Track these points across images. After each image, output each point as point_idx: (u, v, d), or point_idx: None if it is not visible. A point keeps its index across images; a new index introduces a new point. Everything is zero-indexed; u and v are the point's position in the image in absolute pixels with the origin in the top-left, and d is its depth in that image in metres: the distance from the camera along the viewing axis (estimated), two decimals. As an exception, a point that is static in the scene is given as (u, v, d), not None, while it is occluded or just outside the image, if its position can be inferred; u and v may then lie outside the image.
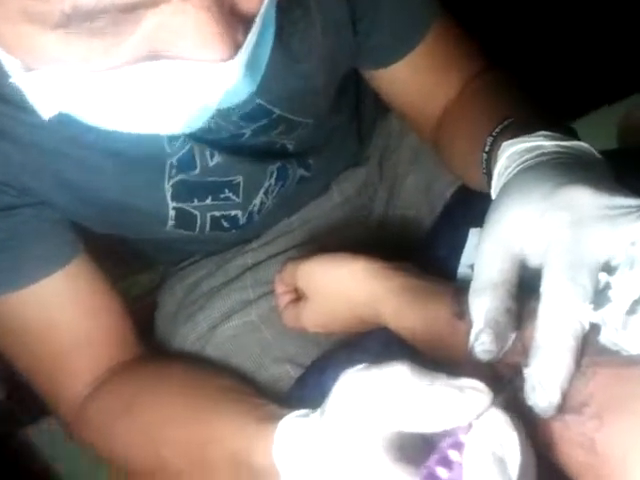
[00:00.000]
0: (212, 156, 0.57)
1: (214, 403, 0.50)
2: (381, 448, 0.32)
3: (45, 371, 0.57)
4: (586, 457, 0.33)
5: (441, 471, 0.30)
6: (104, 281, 0.59)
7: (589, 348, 0.35)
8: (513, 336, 0.37)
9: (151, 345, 0.68)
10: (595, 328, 0.35)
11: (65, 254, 0.55)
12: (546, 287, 0.36)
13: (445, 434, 0.31)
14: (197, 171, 0.57)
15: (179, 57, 0.33)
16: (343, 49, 0.58)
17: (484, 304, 0.37)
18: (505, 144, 0.45)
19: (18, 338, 0.56)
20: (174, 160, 0.55)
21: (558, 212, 0.36)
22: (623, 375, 0.33)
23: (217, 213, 0.62)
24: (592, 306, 0.34)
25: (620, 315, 0.34)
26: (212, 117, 0.52)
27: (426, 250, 0.63)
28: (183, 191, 0.57)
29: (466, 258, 0.54)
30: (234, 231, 0.65)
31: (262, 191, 0.63)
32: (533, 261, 0.38)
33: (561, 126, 0.45)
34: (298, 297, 0.58)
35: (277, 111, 0.57)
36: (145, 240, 0.70)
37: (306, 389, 0.58)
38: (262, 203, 0.64)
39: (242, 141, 0.58)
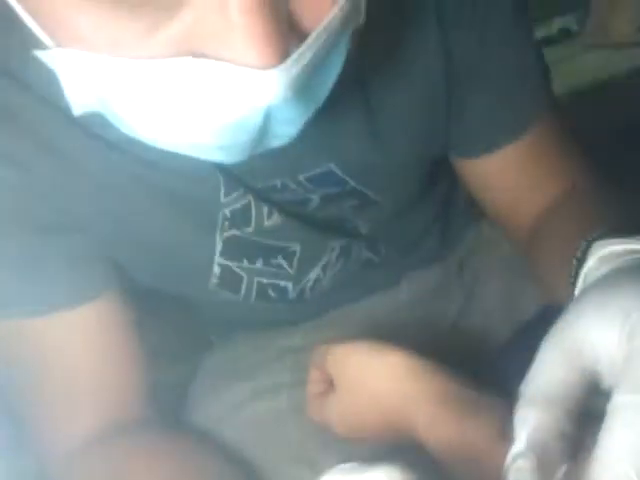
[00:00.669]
0: (270, 215, 0.52)
1: None
2: None
3: (45, 403, 0.52)
4: None
5: None
6: (130, 328, 0.54)
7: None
8: (564, 469, 0.28)
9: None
10: None
11: (93, 289, 0.51)
12: (611, 419, 0.26)
13: None
14: (251, 229, 0.52)
15: (216, 57, 0.29)
16: (434, 131, 0.53)
17: (533, 420, 0.28)
18: (597, 244, 0.38)
19: (23, 364, 0.51)
20: (228, 212, 0.51)
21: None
22: None
23: (265, 280, 0.57)
24: None
25: None
26: (275, 171, 0.50)
27: (496, 365, 0.55)
28: (234, 248, 0.53)
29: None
30: (282, 305, 0.59)
31: (319, 266, 0.58)
32: (607, 382, 0.29)
33: None
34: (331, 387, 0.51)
35: (352, 183, 0.53)
36: (189, 301, 0.65)
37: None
38: (317, 280, 0.58)
39: (308, 208, 0.54)
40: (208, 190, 0.49)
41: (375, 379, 0.46)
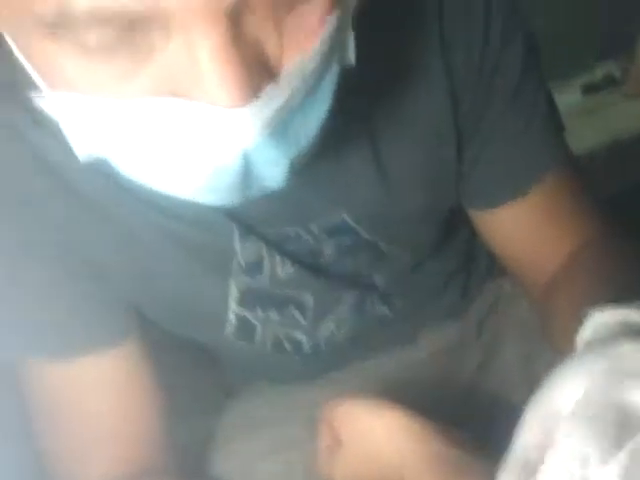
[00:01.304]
0: (283, 265, 0.53)
1: None
2: None
3: (60, 445, 0.53)
4: None
5: None
6: (149, 378, 0.54)
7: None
8: None
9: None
10: None
11: (113, 336, 0.52)
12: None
13: None
14: (264, 278, 0.53)
15: (191, 98, 0.30)
16: (444, 182, 0.54)
17: None
18: (594, 312, 0.37)
19: (40, 404, 0.53)
20: (242, 260, 0.52)
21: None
22: None
23: (280, 331, 0.57)
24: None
25: None
26: (283, 220, 0.50)
27: (511, 428, 0.54)
28: (248, 297, 0.54)
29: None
30: (297, 358, 0.59)
31: (332, 319, 0.58)
32: None
33: None
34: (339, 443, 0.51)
35: (364, 234, 0.53)
36: (208, 350, 0.65)
37: None
38: (331, 333, 0.58)
39: (322, 259, 0.54)
40: (223, 238, 0.50)
41: (374, 437, 0.45)
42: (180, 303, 0.53)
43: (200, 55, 0.29)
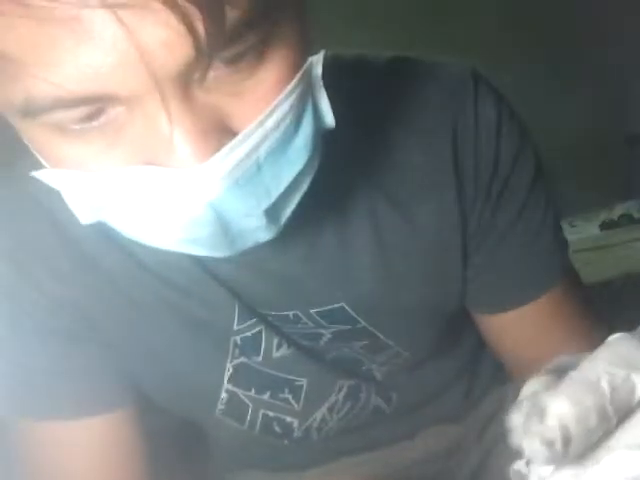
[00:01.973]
0: (279, 347, 0.53)
1: None
2: None
3: None
4: None
5: None
6: (137, 451, 0.54)
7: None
8: None
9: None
10: None
11: (104, 403, 0.52)
12: None
13: None
14: (259, 358, 0.53)
15: (161, 164, 0.33)
16: (447, 282, 0.54)
17: None
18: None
19: (27, 458, 0.52)
20: (239, 339, 0.52)
21: None
22: None
23: (271, 413, 0.56)
24: None
25: None
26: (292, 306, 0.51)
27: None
28: (242, 376, 0.54)
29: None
30: (287, 442, 0.58)
31: (326, 405, 0.57)
32: None
33: None
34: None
35: (362, 322, 0.53)
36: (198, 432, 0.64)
37: None
38: (324, 420, 0.57)
39: (319, 343, 0.54)
40: (223, 315, 0.51)
41: None
42: (175, 376, 0.53)
43: (159, 125, 0.32)
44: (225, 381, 0.53)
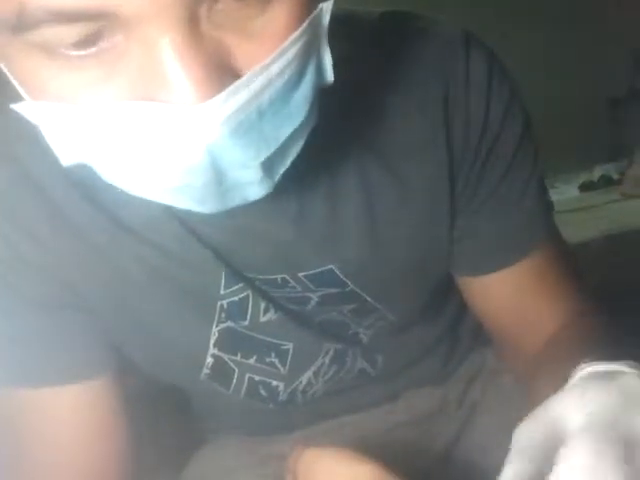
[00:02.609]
0: (266, 311, 0.53)
1: None
2: None
3: (23, 473, 0.51)
4: None
5: None
6: (119, 415, 0.53)
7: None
8: None
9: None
10: None
11: (87, 369, 0.51)
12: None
13: None
14: (246, 322, 0.53)
15: (159, 100, 0.31)
16: (435, 245, 0.54)
17: None
18: (583, 365, 0.38)
19: (11, 432, 0.51)
20: (225, 303, 0.51)
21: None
22: None
23: (257, 377, 0.56)
24: None
25: None
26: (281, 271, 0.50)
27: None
28: (228, 340, 0.53)
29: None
30: (272, 406, 0.58)
31: (312, 369, 0.57)
32: None
33: None
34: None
35: (351, 285, 0.53)
36: (181, 395, 0.64)
37: None
38: (309, 384, 0.58)
39: (307, 307, 0.54)
40: (209, 280, 0.50)
41: None
42: (160, 341, 0.52)
43: (161, 56, 0.30)
44: (211, 345, 0.53)
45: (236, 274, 0.51)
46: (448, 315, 0.65)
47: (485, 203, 0.53)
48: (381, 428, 0.64)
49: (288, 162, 0.38)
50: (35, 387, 0.50)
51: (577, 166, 1.84)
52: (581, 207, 1.61)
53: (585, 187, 1.78)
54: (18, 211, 0.47)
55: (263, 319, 0.53)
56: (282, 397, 0.58)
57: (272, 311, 0.53)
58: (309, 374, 0.57)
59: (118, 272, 0.49)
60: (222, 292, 0.51)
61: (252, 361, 0.55)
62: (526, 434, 0.33)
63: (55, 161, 0.46)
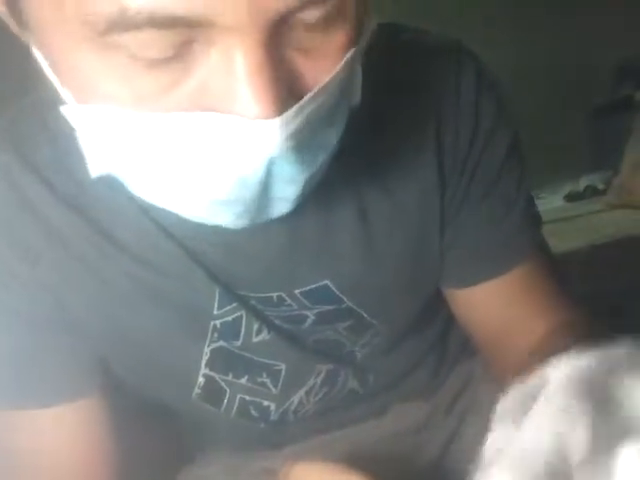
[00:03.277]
0: (259, 332, 0.53)
1: None
2: None
3: None
4: None
5: None
6: (108, 435, 0.53)
7: None
8: None
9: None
10: None
11: (75, 391, 0.51)
12: None
13: None
14: (239, 342, 0.53)
15: (225, 111, 0.32)
16: (428, 258, 0.55)
17: None
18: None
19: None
20: (218, 323, 0.51)
21: None
22: None
23: (248, 397, 0.56)
24: None
25: None
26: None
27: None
28: (220, 360, 0.53)
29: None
30: (263, 425, 0.58)
31: (304, 389, 0.57)
32: None
33: None
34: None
35: (347, 301, 0.53)
36: (171, 412, 0.63)
37: None
38: (301, 403, 0.58)
39: (303, 326, 0.54)
40: (202, 299, 0.50)
41: None
42: (151, 360, 0.52)
43: (238, 69, 0.31)
44: (202, 365, 0.53)
45: (230, 293, 0.50)
46: (437, 327, 0.65)
47: (472, 216, 0.54)
48: (370, 442, 0.64)
49: (319, 177, 0.39)
50: (19, 409, 0.49)
51: (562, 176, 1.86)
52: (567, 217, 1.62)
53: (571, 197, 1.79)
54: (10, 227, 0.46)
55: (256, 339, 0.53)
56: (273, 417, 0.58)
57: (265, 331, 0.53)
58: (301, 394, 0.57)
59: (109, 289, 0.48)
60: (215, 312, 0.50)
61: (244, 381, 0.55)
62: (506, 402, 0.32)
63: (47, 178, 0.46)
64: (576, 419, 0.27)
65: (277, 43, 0.32)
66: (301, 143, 0.34)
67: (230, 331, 0.52)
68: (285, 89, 0.32)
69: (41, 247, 0.47)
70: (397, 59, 0.51)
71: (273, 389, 0.56)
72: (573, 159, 1.87)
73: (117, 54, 0.30)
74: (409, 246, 0.53)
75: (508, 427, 0.31)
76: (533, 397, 0.31)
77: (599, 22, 1.79)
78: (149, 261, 0.48)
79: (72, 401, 0.50)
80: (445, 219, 0.53)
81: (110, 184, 0.40)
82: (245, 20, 0.29)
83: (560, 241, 1.34)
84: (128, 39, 0.30)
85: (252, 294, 0.51)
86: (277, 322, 0.53)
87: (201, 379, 0.53)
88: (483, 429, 0.64)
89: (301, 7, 0.31)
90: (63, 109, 0.35)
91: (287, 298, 0.51)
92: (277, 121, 0.32)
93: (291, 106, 0.32)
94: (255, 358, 0.54)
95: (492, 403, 0.63)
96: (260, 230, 0.47)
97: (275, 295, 0.51)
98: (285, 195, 0.37)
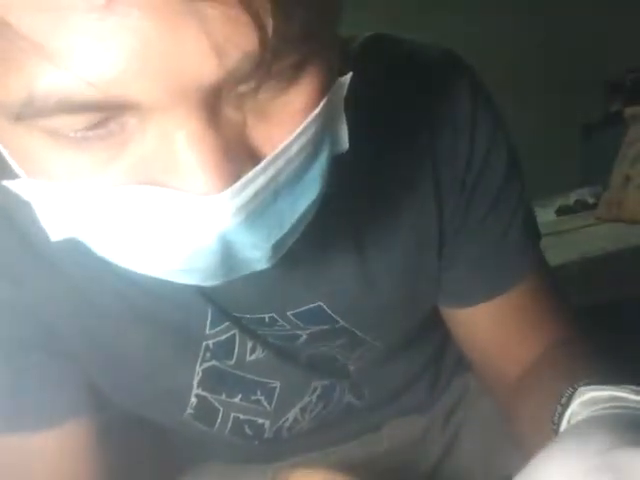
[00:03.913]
0: (253, 351, 0.52)
1: None
2: None
3: None
4: None
5: None
6: (94, 459, 0.51)
7: None
8: None
9: None
10: None
11: (60, 415, 0.49)
12: None
13: None
14: (232, 362, 0.52)
15: (169, 186, 0.29)
16: (424, 279, 0.54)
17: None
18: (582, 389, 0.38)
19: None
20: (211, 343, 0.50)
21: (603, 475, 0.29)
22: None
23: (242, 416, 0.55)
24: None
25: None
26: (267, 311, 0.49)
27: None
28: (213, 380, 0.52)
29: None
30: (257, 443, 0.58)
31: (299, 406, 0.56)
32: None
33: None
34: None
35: (341, 322, 0.52)
36: (162, 428, 0.62)
37: None
38: (296, 420, 0.57)
39: (296, 344, 0.53)
40: (194, 319, 0.49)
41: None
42: (142, 380, 0.51)
43: (176, 143, 0.28)
44: (195, 385, 0.52)
45: (222, 313, 0.50)
46: (434, 343, 0.65)
47: (471, 236, 0.53)
48: (365, 456, 0.64)
49: (297, 235, 0.37)
50: (5, 432, 0.48)
51: (553, 191, 1.87)
52: (558, 231, 1.63)
53: (562, 211, 1.81)
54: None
55: (250, 358, 0.52)
56: (268, 435, 0.57)
57: (259, 350, 0.52)
58: (296, 411, 0.57)
59: (98, 310, 0.47)
60: (207, 332, 0.50)
61: (237, 400, 0.54)
62: None
63: None
64: None
65: (217, 112, 0.28)
66: (257, 212, 0.31)
67: (223, 350, 0.51)
68: (235, 157, 0.29)
69: (28, 271, 0.46)
70: (388, 75, 0.50)
71: (267, 407, 0.55)
72: (564, 174, 1.89)
73: (43, 136, 0.29)
74: (405, 267, 0.52)
75: None
76: None
77: (589, 39, 1.82)
78: (138, 281, 0.46)
79: (61, 424, 0.49)
80: (444, 239, 0.53)
81: None
82: (166, 100, 0.26)
83: (550, 255, 1.34)
84: (48, 123, 0.28)
85: (244, 314, 0.51)
86: (270, 340, 0.53)
87: (193, 399, 0.53)
88: (479, 442, 0.64)
89: (229, 81, 0.27)
90: (8, 183, 0.33)
91: (279, 319, 0.51)
92: (223, 196, 0.29)
93: (242, 175, 0.30)
94: (249, 376, 0.53)
95: (488, 416, 0.64)
96: None
97: (267, 316, 0.51)
98: (255, 257, 0.34)
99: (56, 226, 0.34)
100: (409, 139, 0.49)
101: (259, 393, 0.54)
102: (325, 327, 0.52)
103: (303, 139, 0.32)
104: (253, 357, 0.52)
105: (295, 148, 0.32)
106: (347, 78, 0.34)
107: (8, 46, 0.25)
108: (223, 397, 0.54)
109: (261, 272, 0.47)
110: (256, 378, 0.54)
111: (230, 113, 0.29)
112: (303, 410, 0.57)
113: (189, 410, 0.53)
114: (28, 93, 0.26)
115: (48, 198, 0.32)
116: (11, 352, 0.47)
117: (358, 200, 0.49)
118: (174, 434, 0.63)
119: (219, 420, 0.55)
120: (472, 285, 0.55)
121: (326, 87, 0.32)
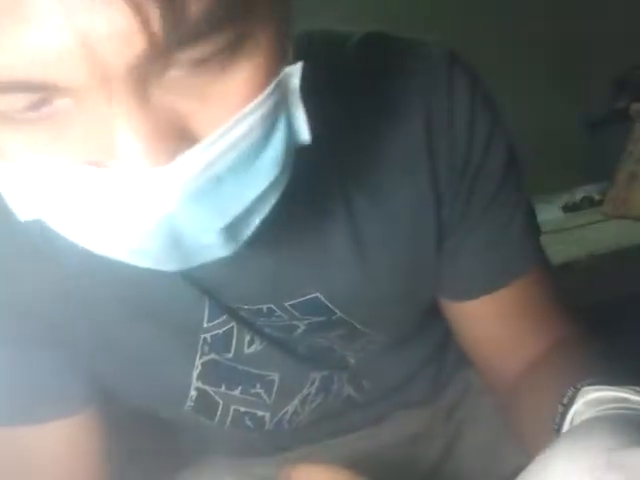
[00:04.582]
0: (251, 343, 0.52)
1: None
2: None
3: None
4: None
5: None
6: (99, 450, 0.52)
7: None
8: None
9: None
10: None
11: (67, 407, 0.50)
12: None
13: None
14: (230, 355, 0.52)
15: (108, 164, 0.30)
16: (422, 269, 0.54)
17: None
18: (585, 390, 0.38)
19: None
20: (209, 336, 0.51)
21: (610, 474, 0.29)
22: None
23: (242, 408, 0.56)
24: None
25: None
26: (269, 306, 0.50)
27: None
28: (212, 373, 0.53)
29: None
30: (257, 435, 0.58)
31: (298, 398, 0.57)
32: None
33: None
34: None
35: (338, 312, 0.53)
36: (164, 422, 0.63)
37: None
38: (295, 412, 0.57)
39: (294, 336, 0.54)
40: (192, 313, 0.49)
41: None
42: (141, 374, 0.52)
43: (108, 124, 0.29)
44: (194, 379, 0.52)
45: (220, 306, 0.50)
46: (437, 336, 0.65)
47: (471, 230, 0.53)
48: (367, 450, 0.64)
49: (253, 226, 0.37)
50: (10, 425, 0.49)
51: (559, 187, 1.86)
52: (564, 228, 1.62)
53: (568, 208, 1.80)
54: None
55: (248, 351, 0.53)
56: (268, 427, 0.57)
57: (257, 342, 0.52)
58: (295, 403, 0.57)
59: (97, 306, 0.48)
60: (205, 325, 0.50)
61: (237, 392, 0.55)
62: None
63: None
64: None
65: (146, 95, 0.29)
66: (200, 194, 0.32)
67: (221, 343, 0.51)
68: (171, 137, 0.30)
69: (26, 267, 0.46)
70: (389, 73, 0.50)
71: (267, 399, 0.56)
72: (569, 170, 1.88)
73: None
74: (403, 258, 0.52)
75: None
76: None
77: (595, 35, 1.81)
78: (137, 278, 0.45)
79: (65, 417, 0.50)
80: (443, 233, 0.53)
81: None
82: (91, 82, 0.28)
83: (556, 252, 1.34)
84: None
85: (242, 306, 0.51)
86: (268, 331, 0.53)
87: (193, 392, 0.53)
88: (482, 438, 0.64)
89: (153, 59, 0.28)
90: None
91: (277, 310, 0.51)
92: (163, 174, 0.30)
93: (176, 149, 0.31)
94: (248, 369, 0.54)
95: (491, 413, 0.64)
96: (250, 243, 0.47)
97: (265, 307, 0.51)
98: (208, 242, 0.35)
99: (21, 206, 0.35)
100: (405, 133, 0.49)
101: (258, 386, 0.55)
102: (322, 318, 0.52)
103: (245, 124, 0.32)
104: (251, 349, 0.53)
105: (238, 132, 0.32)
106: (297, 67, 0.35)
107: None
108: (223, 390, 0.54)
109: (258, 262, 0.48)
110: (255, 371, 0.54)
111: (163, 96, 0.30)
112: (303, 402, 0.57)
113: (189, 403, 0.54)
114: None
115: (6, 179, 0.33)
116: (18, 345, 0.48)
117: (353, 192, 0.49)
118: (176, 427, 0.63)
119: (219, 413, 0.55)
120: (472, 279, 0.55)
121: (271, 72, 0.33)
